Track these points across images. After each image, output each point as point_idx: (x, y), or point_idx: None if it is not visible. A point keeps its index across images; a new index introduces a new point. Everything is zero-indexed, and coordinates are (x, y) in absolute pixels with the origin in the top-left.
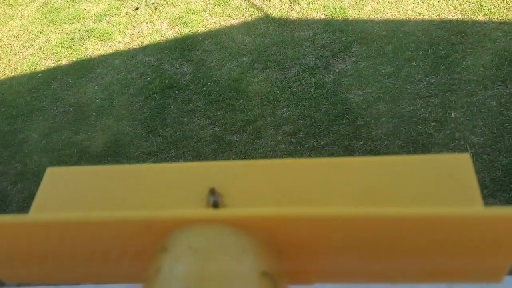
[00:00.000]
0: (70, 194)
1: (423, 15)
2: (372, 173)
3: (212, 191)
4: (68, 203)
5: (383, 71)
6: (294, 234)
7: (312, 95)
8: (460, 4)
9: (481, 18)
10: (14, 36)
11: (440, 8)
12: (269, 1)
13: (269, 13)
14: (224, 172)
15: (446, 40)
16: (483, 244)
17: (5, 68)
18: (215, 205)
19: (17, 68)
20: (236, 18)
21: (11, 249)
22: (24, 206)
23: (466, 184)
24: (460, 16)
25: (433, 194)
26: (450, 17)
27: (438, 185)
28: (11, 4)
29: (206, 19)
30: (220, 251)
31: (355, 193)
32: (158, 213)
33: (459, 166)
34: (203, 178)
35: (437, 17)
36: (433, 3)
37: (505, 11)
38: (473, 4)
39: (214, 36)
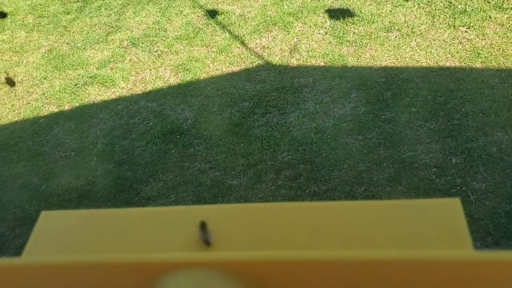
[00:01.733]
0: (64, 237)
1: (421, 63)
2: (365, 216)
3: (203, 226)
4: (62, 246)
5: (382, 116)
6: (281, 278)
7: (312, 140)
8: (457, 52)
9: (478, 65)
10: (19, 82)
11: (438, 55)
12: (270, 49)
13: (270, 60)
14: (218, 215)
15: (445, 87)
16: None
17: (8, 113)
18: (207, 243)
19: (20, 113)
20: (238, 65)
21: None
22: (21, 252)
23: (457, 228)
24: (457, 64)
25: (424, 238)
26: (448, 64)
27: (429, 228)
28: (17, 51)
29: (208, 66)
30: None
31: (347, 236)
32: (147, 256)
33: (450, 210)
34: (196, 221)
35: (435, 64)
36: (430, 51)
37: (501, 58)
38: (470, 52)
39: (215, 82)
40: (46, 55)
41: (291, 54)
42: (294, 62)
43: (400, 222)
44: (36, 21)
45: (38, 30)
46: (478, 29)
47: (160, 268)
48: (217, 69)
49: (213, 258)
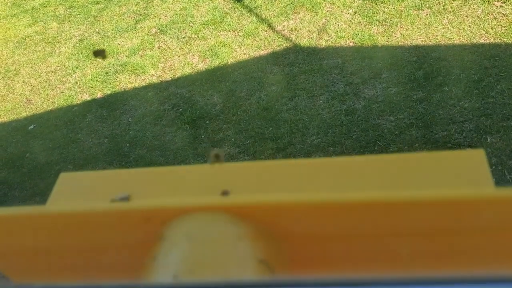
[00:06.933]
0: (81, 196)
1: (454, 40)
2: (387, 169)
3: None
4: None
5: (414, 96)
6: (292, 221)
7: (342, 122)
8: (492, 28)
9: None
10: (52, 72)
11: (471, 32)
12: (297, 31)
13: (298, 42)
14: (237, 173)
15: (479, 65)
16: (497, 225)
17: (43, 102)
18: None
19: (55, 102)
20: (265, 49)
21: (14, 242)
22: None
23: (481, 178)
24: (492, 40)
25: (449, 186)
26: (482, 41)
27: (453, 179)
28: (50, 42)
29: (235, 51)
30: (216, 238)
31: (373, 188)
32: (157, 202)
33: (474, 161)
34: (215, 179)
35: (468, 41)
36: (463, 28)
37: None
38: (505, 28)
39: (243, 67)
40: (78, 45)
41: (319, 35)
42: (322, 43)
43: (423, 174)
44: (67, 12)
45: (69, 21)
46: None
47: (171, 215)
48: (244, 54)
49: (222, 202)
